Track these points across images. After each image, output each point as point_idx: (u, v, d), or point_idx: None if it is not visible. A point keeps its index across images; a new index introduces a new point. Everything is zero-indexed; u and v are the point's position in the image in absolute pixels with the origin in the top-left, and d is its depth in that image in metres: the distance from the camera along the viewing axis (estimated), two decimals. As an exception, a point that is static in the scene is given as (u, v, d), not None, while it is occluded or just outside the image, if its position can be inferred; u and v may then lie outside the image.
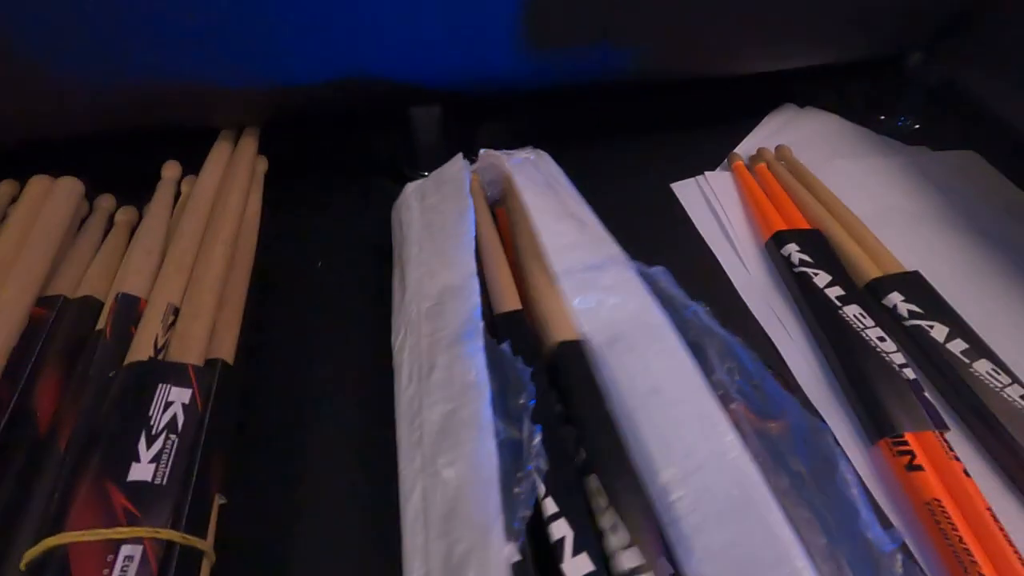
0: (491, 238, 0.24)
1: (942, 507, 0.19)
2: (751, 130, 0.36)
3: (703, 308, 0.22)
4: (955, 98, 0.38)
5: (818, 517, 0.17)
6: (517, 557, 0.14)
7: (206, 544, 0.17)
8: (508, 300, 0.21)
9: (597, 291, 0.21)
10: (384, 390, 0.22)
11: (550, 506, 0.15)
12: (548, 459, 0.15)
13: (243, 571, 0.19)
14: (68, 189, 0.26)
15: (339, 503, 0.20)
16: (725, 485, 0.15)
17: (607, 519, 0.16)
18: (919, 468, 0.20)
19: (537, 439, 0.15)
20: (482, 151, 0.26)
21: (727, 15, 0.28)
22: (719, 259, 0.28)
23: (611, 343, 0.19)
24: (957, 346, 0.23)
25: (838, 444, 0.18)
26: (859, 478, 0.17)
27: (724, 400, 0.19)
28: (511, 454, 0.15)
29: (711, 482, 0.15)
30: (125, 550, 0.15)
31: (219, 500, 0.19)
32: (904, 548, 0.18)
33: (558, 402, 0.18)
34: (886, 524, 0.19)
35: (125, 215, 0.27)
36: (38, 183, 0.26)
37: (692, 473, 0.15)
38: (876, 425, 0.21)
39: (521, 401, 0.16)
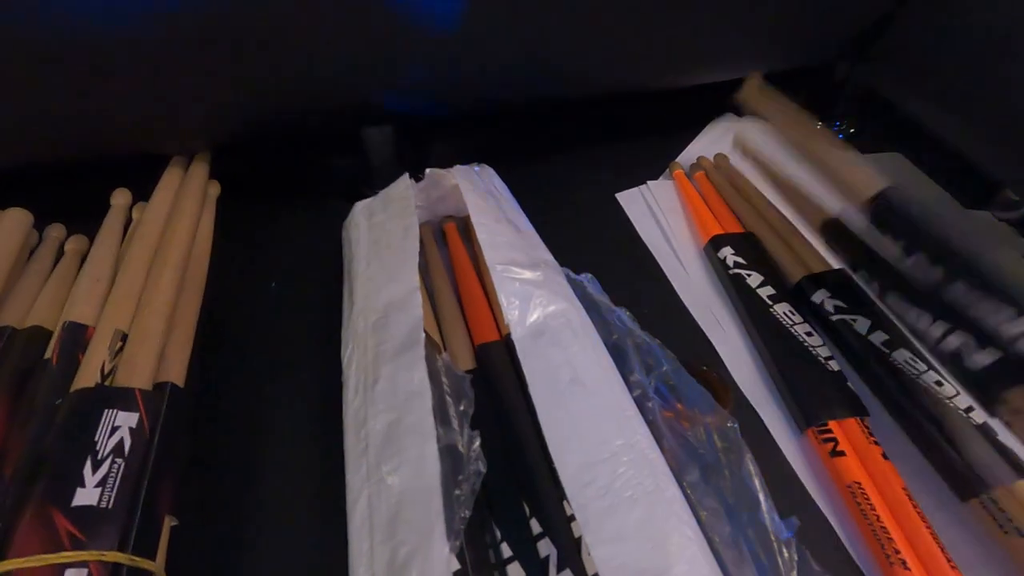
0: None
1: (862, 489, 0.20)
2: (693, 139, 0.37)
3: (626, 313, 0.23)
4: (880, 103, 0.40)
5: (724, 506, 0.18)
6: (456, 566, 0.15)
7: (155, 565, 0.18)
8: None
9: (526, 285, 0.22)
10: (337, 405, 0.22)
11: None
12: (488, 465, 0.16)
13: (196, 590, 0.19)
14: (16, 220, 0.26)
15: (292, 520, 0.21)
16: (634, 474, 0.16)
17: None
18: (842, 454, 0.21)
19: (476, 443, 0.16)
20: (428, 171, 0.27)
21: (656, 32, 0.30)
22: (660, 264, 0.29)
23: (535, 336, 0.20)
24: (878, 337, 0.24)
25: (757, 435, 0.19)
26: (760, 469, 0.18)
27: (641, 398, 0.20)
28: (452, 459, 0.16)
29: (622, 471, 0.16)
30: (70, 574, 0.15)
31: (171, 522, 0.19)
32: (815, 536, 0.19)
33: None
34: (799, 503, 0.20)
35: (74, 244, 0.27)
36: (-16, 215, 0.26)
37: (604, 460, 0.16)
38: (804, 415, 0.23)
39: (462, 408, 0.17)
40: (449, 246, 0.28)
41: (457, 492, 0.15)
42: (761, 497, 0.17)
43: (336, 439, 0.22)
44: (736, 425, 0.19)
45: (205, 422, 0.23)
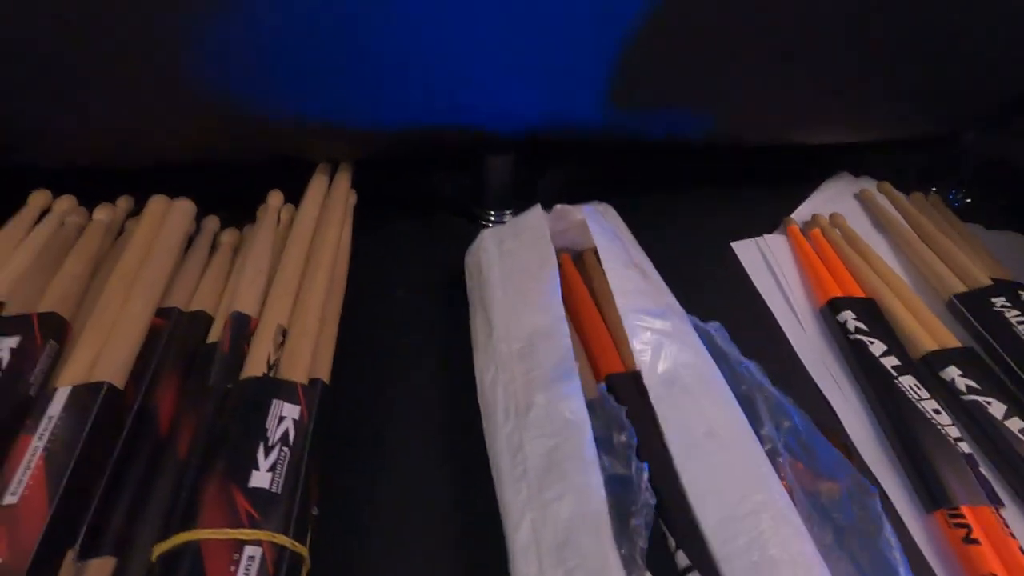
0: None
1: (999, 582, 0.19)
2: (808, 194, 0.37)
3: (756, 365, 0.23)
4: (1006, 176, 0.39)
5: (859, 572, 0.18)
6: None
7: (306, 552, 0.19)
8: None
9: (657, 335, 0.22)
10: (461, 413, 0.23)
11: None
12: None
13: (331, 580, 0.20)
14: (184, 210, 0.29)
15: (420, 518, 0.22)
16: (776, 532, 0.16)
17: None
18: (976, 542, 0.21)
19: (645, 475, 0.17)
20: (557, 206, 0.28)
21: (796, 92, 0.30)
22: (777, 319, 0.30)
23: (668, 384, 0.20)
24: (1015, 424, 0.24)
25: (884, 507, 0.19)
26: (900, 542, 0.18)
27: (771, 454, 0.20)
28: (618, 489, 0.17)
29: (764, 527, 0.16)
30: (248, 550, 0.17)
31: (314, 512, 0.21)
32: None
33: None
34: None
35: (230, 237, 0.29)
36: (158, 202, 0.29)
37: (746, 515, 0.17)
38: (932, 496, 0.22)
39: (623, 439, 0.18)
40: (567, 277, 0.29)
41: (634, 522, 0.16)
42: (901, 568, 0.17)
43: (459, 441, 0.23)
44: (876, 491, 0.19)
45: (337, 419, 0.24)
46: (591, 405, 0.19)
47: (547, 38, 0.26)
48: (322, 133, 0.30)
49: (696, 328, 0.24)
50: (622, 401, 0.22)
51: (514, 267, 0.26)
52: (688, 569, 0.17)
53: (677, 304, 0.25)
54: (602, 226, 0.28)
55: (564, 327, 0.21)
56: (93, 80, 0.26)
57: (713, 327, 0.25)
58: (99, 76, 0.26)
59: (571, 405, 0.18)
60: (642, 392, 0.21)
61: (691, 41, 0.27)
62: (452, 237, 0.32)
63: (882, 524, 0.18)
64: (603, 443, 0.18)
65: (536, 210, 0.28)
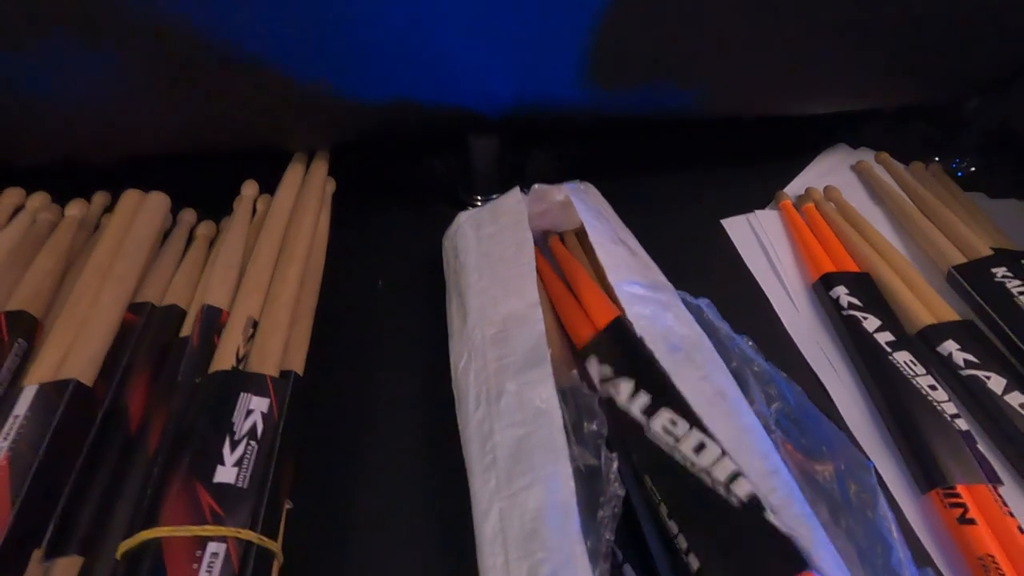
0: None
1: (996, 564, 0.19)
2: (804, 167, 0.36)
3: (747, 340, 0.22)
4: (1012, 144, 0.38)
5: (855, 548, 0.17)
6: None
7: (276, 546, 0.18)
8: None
9: (653, 305, 0.21)
10: (441, 404, 0.23)
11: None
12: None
13: (306, 574, 0.20)
14: (157, 203, 0.28)
15: (398, 510, 0.21)
16: (793, 500, 0.16)
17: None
18: (972, 522, 0.20)
19: (614, 465, 0.16)
20: (536, 186, 0.28)
21: (786, 60, 0.29)
22: (768, 296, 0.29)
23: (670, 352, 0.20)
24: (1016, 398, 0.23)
25: (880, 482, 0.18)
26: (895, 516, 0.17)
27: (764, 429, 0.19)
28: (587, 480, 0.16)
29: (785, 487, 0.16)
30: (211, 547, 0.16)
31: (287, 505, 0.20)
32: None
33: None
34: (921, 563, 0.19)
35: (205, 229, 0.29)
36: (130, 197, 0.28)
37: (773, 473, 0.16)
38: (927, 475, 0.21)
39: (594, 427, 0.17)
40: (559, 259, 0.28)
41: (601, 514, 0.15)
42: (897, 544, 0.16)
43: (440, 435, 0.22)
44: (872, 465, 0.18)
45: (314, 411, 0.24)
46: (563, 393, 0.18)
47: (518, 12, 0.25)
48: (295, 100, 0.28)
49: (685, 303, 0.23)
50: (632, 332, 0.21)
51: (491, 251, 0.25)
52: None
53: (665, 279, 0.25)
54: (585, 203, 0.27)
55: (538, 313, 0.21)
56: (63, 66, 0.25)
57: (703, 303, 0.24)
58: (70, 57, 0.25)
59: (542, 393, 0.18)
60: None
61: (668, 12, 0.25)
62: (437, 224, 0.31)
63: (876, 498, 0.18)
64: (573, 432, 0.17)
65: (515, 192, 0.28)
